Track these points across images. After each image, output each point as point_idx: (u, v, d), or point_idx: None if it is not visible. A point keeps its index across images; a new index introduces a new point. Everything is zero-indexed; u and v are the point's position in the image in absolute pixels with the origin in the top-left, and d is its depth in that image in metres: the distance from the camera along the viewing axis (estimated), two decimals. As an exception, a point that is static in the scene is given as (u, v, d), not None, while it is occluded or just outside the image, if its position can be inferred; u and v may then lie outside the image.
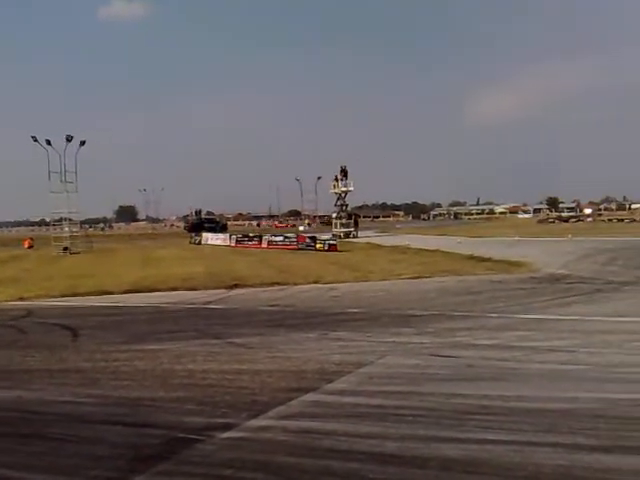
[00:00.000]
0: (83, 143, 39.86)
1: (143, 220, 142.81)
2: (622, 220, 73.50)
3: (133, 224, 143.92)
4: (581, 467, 4.23)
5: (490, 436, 4.89)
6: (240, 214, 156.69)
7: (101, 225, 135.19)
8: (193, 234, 51.61)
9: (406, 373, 7.19)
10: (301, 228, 69.08)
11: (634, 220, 70.61)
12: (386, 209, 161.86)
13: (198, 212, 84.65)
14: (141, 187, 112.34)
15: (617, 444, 4.67)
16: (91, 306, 14.67)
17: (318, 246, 32.56)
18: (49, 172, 38.89)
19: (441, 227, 63.85)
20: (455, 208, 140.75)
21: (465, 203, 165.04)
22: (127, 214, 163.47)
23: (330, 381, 6.71)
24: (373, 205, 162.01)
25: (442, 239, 40.65)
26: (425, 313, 11.60)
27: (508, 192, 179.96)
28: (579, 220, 79.80)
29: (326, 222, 69.93)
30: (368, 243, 38.40)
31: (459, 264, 20.96)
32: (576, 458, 4.37)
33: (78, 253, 38.67)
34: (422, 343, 8.90)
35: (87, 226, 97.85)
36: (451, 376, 7.00)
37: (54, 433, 5.32)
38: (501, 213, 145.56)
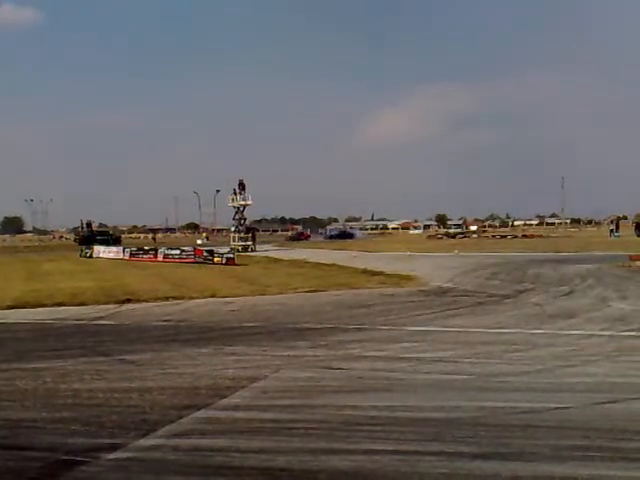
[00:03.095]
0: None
1: (30, 232, 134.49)
2: (505, 237, 78.53)
3: (18, 236, 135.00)
4: (463, 475, 4.47)
5: (378, 446, 5.07)
6: (135, 227, 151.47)
7: None
8: (84, 247, 49.31)
9: (299, 386, 7.30)
10: (199, 242, 67.70)
11: (516, 237, 75.59)
12: (285, 223, 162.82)
13: (89, 224, 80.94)
14: (27, 197, 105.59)
15: (497, 451, 4.97)
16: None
17: (216, 260, 32.12)
18: None
19: (339, 242, 65.10)
20: (351, 223, 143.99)
21: (360, 218, 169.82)
22: (12, 225, 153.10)
23: (223, 397, 6.68)
24: (272, 219, 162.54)
25: (339, 253, 41.54)
26: (320, 326, 11.81)
27: (400, 209, 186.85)
28: (465, 236, 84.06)
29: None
30: (266, 257, 38.49)
31: (354, 278, 21.50)
32: (458, 466, 4.61)
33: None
34: (316, 356, 9.06)
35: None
36: (342, 388, 7.19)
37: None
38: (394, 229, 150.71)
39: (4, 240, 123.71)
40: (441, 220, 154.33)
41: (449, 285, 19.16)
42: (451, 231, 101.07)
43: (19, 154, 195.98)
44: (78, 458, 4.81)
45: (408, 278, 20.88)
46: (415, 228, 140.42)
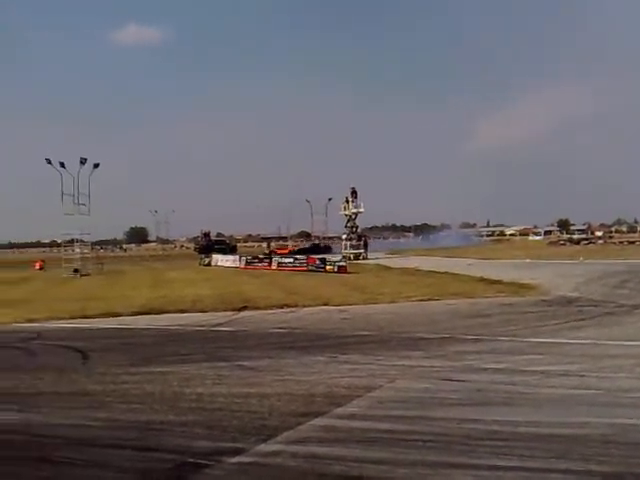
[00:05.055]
0: (97, 166, 40.35)
1: (153, 241, 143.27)
2: (633, 243, 72.98)
3: (144, 245, 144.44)
4: (594, 495, 4.18)
5: (501, 462, 4.86)
6: (250, 235, 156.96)
7: (121, 246, 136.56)
8: (203, 256, 51.75)
9: (416, 397, 7.14)
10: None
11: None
12: (396, 230, 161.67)
13: (207, 234, 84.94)
14: (152, 208, 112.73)
15: (630, 471, 4.61)
16: (100, 328, 14.69)
17: (328, 268, 32.55)
18: (62, 194, 39.28)
19: (451, 249, 63.60)
20: (465, 230, 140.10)
21: (475, 225, 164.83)
22: (138, 235, 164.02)
23: (339, 405, 6.69)
24: (383, 226, 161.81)
25: (452, 261, 40.54)
26: (435, 336, 11.53)
27: (518, 214, 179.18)
28: (590, 242, 79.28)
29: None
30: (378, 265, 38.38)
31: (469, 286, 20.88)
32: (589, 486, 4.32)
33: (88, 275, 38.84)
34: (432, 367, 8.84)
35: (98, 247, 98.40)
36: (461, 401, 6.95)
37: (62, 457, 5.33)
38: (511, 235, 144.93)
39: (130, 249, 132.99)
40: (563, 225, 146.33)
41: (574, 294, 18.06)
42: (574, 237, 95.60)
43: (147, 169, 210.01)
44: (203, 461, 4.99)
45: (529, 287, 19.98)
46: (535, 234, 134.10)
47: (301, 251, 50.48)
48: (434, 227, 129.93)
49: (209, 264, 45.98)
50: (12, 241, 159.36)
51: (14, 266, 56.61)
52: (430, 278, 25.27)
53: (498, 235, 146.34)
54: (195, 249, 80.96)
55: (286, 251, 49.13)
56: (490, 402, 6.89)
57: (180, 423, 6.25)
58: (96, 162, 40.45)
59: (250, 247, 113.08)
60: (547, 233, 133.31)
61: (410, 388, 7.60)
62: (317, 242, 73.37)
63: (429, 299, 17.74)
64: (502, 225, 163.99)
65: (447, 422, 6.05)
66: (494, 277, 23.39)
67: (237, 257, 44.86)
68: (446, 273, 27.01)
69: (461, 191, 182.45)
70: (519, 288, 19.79)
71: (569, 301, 16.63)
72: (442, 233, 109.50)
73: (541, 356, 9.42)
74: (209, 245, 71.51)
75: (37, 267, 48.99)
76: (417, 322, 13.70)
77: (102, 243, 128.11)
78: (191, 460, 5.03)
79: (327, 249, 54.77)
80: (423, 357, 9.60)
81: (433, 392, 7.37)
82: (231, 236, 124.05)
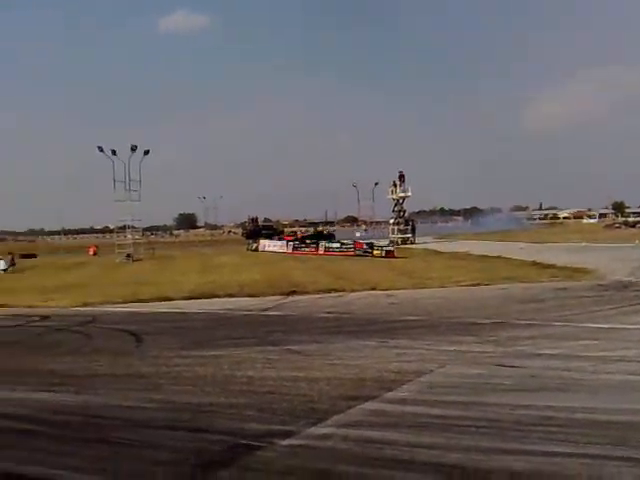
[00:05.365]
0: (147, 152, 41.08)
1: (202, 227, 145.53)
2: (695, 225, 69.96)
3: (192, 231, 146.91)
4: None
5: (556, 448, 4.75)
6: (296, 220, 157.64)
7: (171, 232, 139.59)
8: (250, 241, 52.24)
9: (468, 383, 7.03)
10: (357, 234, 68.76)
11: None
12: (445, 214, 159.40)
13: (254, 219, 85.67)
14: (200, 195, 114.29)
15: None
16: (153, 312, 15.05)
17: (375, 252, 32.41)
18: (114, 181, 40.25)
19: (502, 233, 62.29)
20: (516, 213, 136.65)
21: (527, 208, 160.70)
22: (187, 221, 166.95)
23: (389, 390, 6.64)
24: (431, 210, 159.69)
25: (503, 245, 39.67)
26: (486, 321, 11.33)
27: (571, 197, 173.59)
28: (647, 225, 76.36)
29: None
30: (426, 249, 37.98)
31: (521, 271, 20.42)
32: (648, 473, 4.17)
33: (140, 260, 39.78)
34: (484, 352, 8.68)
35: (149, 233, 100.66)
36: (514, 386, 6.80)
37: (118, 437, 5.46)
38: (565, 218, 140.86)
39: (179, 235, 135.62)
40: (618, 208, 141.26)
41: (630, 279, 17.41)
42: (630, 220, 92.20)
43: (195, 154, 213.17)
44: (255, 443, 5.03)
45: (583, 271, 19.41)
46: (589, 217, 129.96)
47: (306, 238, 50.74)
48: (484, 211, 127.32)
49: (256, 249, 46.39)
50: (66, 227, 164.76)
51: (69, 252, 58.58)
52: (481, 262, 24.85)
53: (551, 218, 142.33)
54: (242, 234, 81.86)
55: (290, 238, 49.57)
56: (544, 388, 6.72)
57: (231, 405, 6.34)
58: (146, 149, 41.23)
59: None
60: (602, 216, 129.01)
61: (461, 373, 7.48)
62: (321, 229, 75.14)
63: (479, 284, 17.46)
64: (555, 208, 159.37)
65: (500, 408, 5.92)
66: (547, 261, 22.81)
67: (284, 242, 45.06)
68: (497, 257, 26.48)
69: (511, 174, 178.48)
70: (573, 272, 19.25)
71: (625, 285, 16.08)
72: (492, 217, 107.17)
73: (597, 341, 9.13)
74: (256, 230, 72.07)
75: (91, 253, 50.56)
76: (467, 307, 13.50)
77: (152, 229, 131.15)
78: (243, 442, 5.08)
79: (331, 236, 55.04)
80: (474, 342, 9.43)
81: (485, 378, 7.23)
82: (277, 221, 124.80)
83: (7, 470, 4.74)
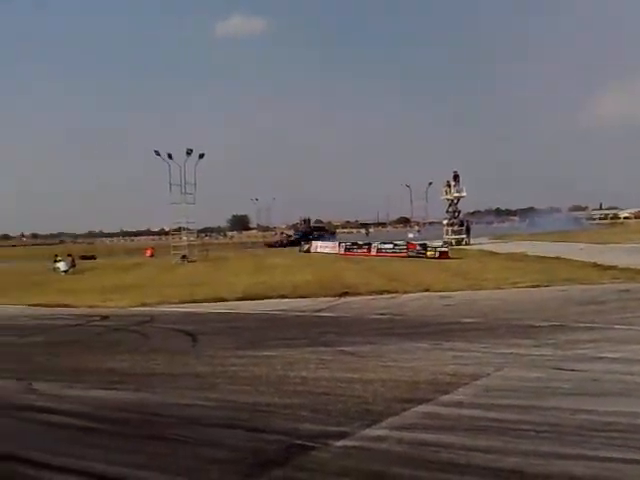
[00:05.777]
0: (202, 156, 41.92)
1: (254, 228, 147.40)
2: None
3: (245, 232, 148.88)
4: None
5: (617, 454, 4.63)
6: (348, 222, 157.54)
7: (225, 233, 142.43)
8: (302, 242, 52.56)
9: (526, 386, 6.85)
10: (410, 235, 68.10)
11: None
12: (500, 214, 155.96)
13: (307, 220, 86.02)
14: (253, 197, 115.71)
15: None
16: (207, 312, 15.33)
17: (429, 253, 32.02)
18: (170, 184, 41.24)
19: (560, 233, 60.49)
20: (575, 213, 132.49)
21: (587, 208, 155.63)
22: (240, 223, 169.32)
23: (445, 392, 6.54)
24: (486, 210, 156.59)
25: (561, 246, 38.51)
26: (545, 324, 11.02)
27: (633, 196, 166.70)
28: None
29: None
30: (481, 250, 37.26)
31: (581, 272, 19.75)
32: None
33: (195, 261, 40.62)
34: (542, 355, 8.45)
35: (203, 235, 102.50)
36: (574, 390, 6.59)
37: (175, 435, 5.58)
38: (625, 218, 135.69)
39: (232, 237, 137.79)
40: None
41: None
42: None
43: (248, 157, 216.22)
44: (309, 443, 5.05)
45: (647, 273, 18.59)
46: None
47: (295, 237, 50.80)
48: (541, 211, 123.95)
49: (308, 250, 46.64)
50: (124, 229, 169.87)
51: (127, 253, 60.38)
52: (539, 263, 24.18)
53: (611, 218, 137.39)
54: (287, 237, 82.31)
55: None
56: (606, 392, 6.49)
57: (285, 405, 6.38)
58: (201, 152, 42.07)
59: (348, 233, 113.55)
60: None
61: (519, 377, 7.30)
62: (313, 226, 77.18)
63: (538, 285, 16.97)
64: (616, 208, 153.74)
65: (560, 412, 5.75)
66: (608, 262, 22.01)
67: (336, 243, 45.12)
68: (556, 258, 25.72)
69: (569, 173, 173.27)
70: (636, 274, 18.45)
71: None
72: (550, 217, 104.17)
73: (663, 346, 8.75)
74: (308, 231, 72.38)
75: (148, 254, 51.96)
76: (525, 309, 13.17)
77: (206, 231, 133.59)
78: (298, 442, 5.11)
79: (322, 231, 54.93)
80: (532, 345, 9.18)
81: (544, 381, 7.03)
82: (329, 222, 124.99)
83: (68, 466, 4.90)
